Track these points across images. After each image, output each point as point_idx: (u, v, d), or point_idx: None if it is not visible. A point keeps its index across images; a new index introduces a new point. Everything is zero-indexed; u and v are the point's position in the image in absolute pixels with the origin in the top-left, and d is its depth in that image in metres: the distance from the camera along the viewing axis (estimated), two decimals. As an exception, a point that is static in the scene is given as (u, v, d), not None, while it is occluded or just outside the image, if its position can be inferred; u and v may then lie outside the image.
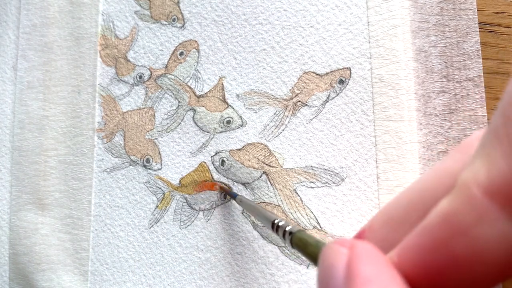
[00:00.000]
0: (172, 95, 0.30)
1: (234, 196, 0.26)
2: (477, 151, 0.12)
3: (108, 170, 0.30)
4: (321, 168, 0.27)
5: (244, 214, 0.27)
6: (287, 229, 0.18)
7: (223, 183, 0.28)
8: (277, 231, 0.19)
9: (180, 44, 0.30)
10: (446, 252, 0.12)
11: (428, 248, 0.12)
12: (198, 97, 0.29)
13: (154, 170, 0.29)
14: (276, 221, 0.19)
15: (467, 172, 0.12)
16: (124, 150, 0.30)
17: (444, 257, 0.12)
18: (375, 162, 0.26)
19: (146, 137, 0.30)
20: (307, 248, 0.16)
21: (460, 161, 0.14)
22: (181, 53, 0.30)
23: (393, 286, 0.12)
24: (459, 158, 0.15)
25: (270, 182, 0.27)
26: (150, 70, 0.30)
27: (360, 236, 0.16)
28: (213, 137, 0.28)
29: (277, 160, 0.27)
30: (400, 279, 0.12)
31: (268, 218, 0.20)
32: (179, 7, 0.30)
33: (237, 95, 0.28)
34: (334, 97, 0.27)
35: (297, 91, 0.27)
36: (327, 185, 0.26)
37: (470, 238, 0.11)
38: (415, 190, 0.15)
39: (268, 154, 0.27)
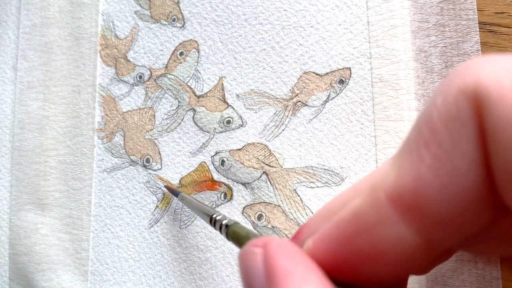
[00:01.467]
0: (172, 95, 0.30)
1: (176, 194, 0.27)
2: (392, 159, 0.13)
3: (108, 170, 0.30)
4: (321, 168, 0.27)
5: (244, 214, 0.27)
6: (223, 222, 0.18)
7: (223, 183, 0.28)
8: (214, 225, 0.19)
9: (180, 44, 0.30)
10: (351, 246, 0.13)
11: (337, 240, 0.13)
12: (198, 97, 0.29)
13: (154, 170, 0.29)
14: (214, 216, 0.20)
15: (379, 177, 0.13)
16: (124, 150, 0.30)
17: (350, 250, 0.13)
18: (375, 162, 0.26)
19: (146, 137, 0.30)
20: (239, 240, 0.16)
21: None
22: (181, 53, 0.30)
23: (311, 274, 0.12)
24: None
25: (270, 182, 0.27)
26: (150, 70, 0.30)
27: (298, 232, 0.17)
28: (213, 137, 0.28)
29: (277, 160, 0.27)
30: (316, 267, 0.13)
31: (207, 213, 0.20)
32: (179, 7, 0.30)
33: (237, 95, 0.28)
34: (334, 97, 0.27)
35: (297, 91, 0.27)
36: (327, 185, 0.26)
37: (372, 236, 0.12)
38: (351, 189, 0.16)
39: (268, 154, 0.27)
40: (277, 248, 0.13)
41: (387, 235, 0.12)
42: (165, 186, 0.29)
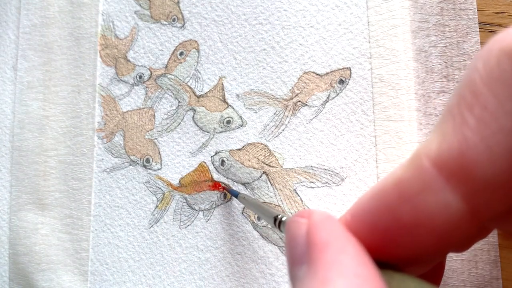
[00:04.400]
0: (172, 95, 0.30)
1: (235, 194, 0.26)
2: (435, 127, 0.13)
3: (108, 170, 0.30)
4: (321, 168, 0.26)
5: (244, 214, 0.27)
6: None
7: (224, 183, 0.28)
8: (279, 226, 0.19)
9: (180, 44, 0.30)
10: (392, 216, 0.12)
11: (377, 210, 0.13)
12: (198, 97, 0.29)
13: (154, 170, 0.29)
14: (279, 217, 0.19)
15: (422, 144, 0.13)
16: (124, 150, 0.30)
17: (390, 220, 0.12)
18: (375, 162, 0.26)
19: (146, 137, 0.30)
20: None
21: None
22: (181, 53, 0.30)
23: (348, 246, 0.12)
24: None
25: (270, 182, 0.27)
26: (150, 70, 0.30)
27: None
28: (213, 137, 0.28)
29: (277, 160, 0.27)
30: (354, 240, 0.13)
31: (271, 214, 0.20)
32: (179, 7, 0.30)
33: (237, 95, 0.28)
34: (334, 97, 0.27)
35: (297, 91, 0.27)
36: (327, 185, 0.26)
37: (415, 205, 0.12)
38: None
39: (268, 154, 0.27)
40: (319, 220, 0.13)
41: (431, 203, 0.12)
42: (222, 187, 0.28)
